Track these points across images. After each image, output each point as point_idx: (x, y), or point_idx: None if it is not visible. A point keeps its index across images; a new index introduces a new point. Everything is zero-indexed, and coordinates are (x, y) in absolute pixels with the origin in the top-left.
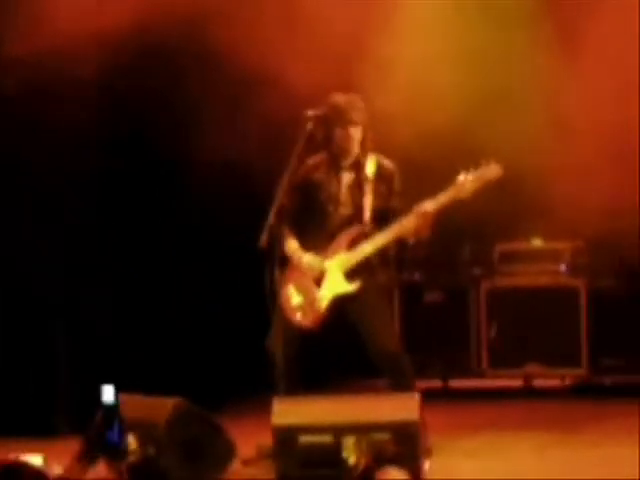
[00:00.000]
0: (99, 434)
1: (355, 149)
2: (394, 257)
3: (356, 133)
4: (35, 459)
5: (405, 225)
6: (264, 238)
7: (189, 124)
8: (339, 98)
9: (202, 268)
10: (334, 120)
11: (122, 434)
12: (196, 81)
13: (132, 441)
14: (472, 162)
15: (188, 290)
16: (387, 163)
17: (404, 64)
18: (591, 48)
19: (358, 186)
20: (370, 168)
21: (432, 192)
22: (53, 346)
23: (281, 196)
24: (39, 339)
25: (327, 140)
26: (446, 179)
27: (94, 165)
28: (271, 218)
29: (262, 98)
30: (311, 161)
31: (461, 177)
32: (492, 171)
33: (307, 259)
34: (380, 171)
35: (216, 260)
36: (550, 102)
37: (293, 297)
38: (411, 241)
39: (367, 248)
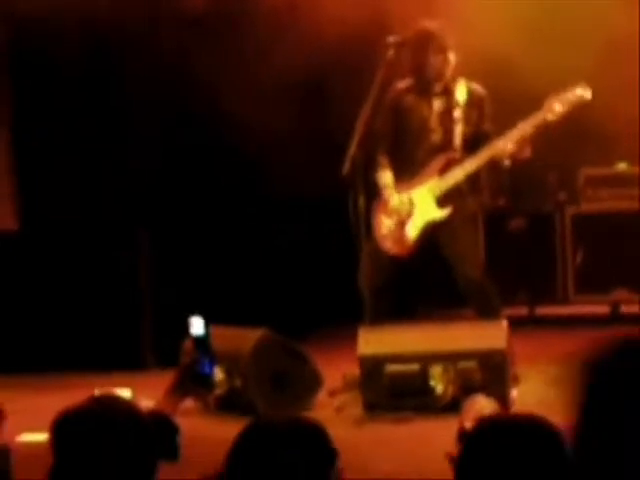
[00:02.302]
0: (190, 366)
1: (448, 74)
2: (487, 182)
3: (452, 58)
4: (123, 393)
5: (496, 148)
6: (347, 167)
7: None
8: (429, 24)
9: (290, 195)
10: (426, 46)
11: (213, 366)
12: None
13: (219, 373)
14: (560, 85)
15: (275, 218)
16: (477, 88)
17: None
18: None
19: (449, 112)
20: (461, 94)
21: (519, 118)
22: (139, 279)
23: (364, 123)
24: (125, 271)
25: (416, 66)
26: (529, 108)
27: None
28: (353, 147)
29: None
30: (401, 85)
31: (549, 99)
32: (580, 93)
33: (394, 201)
34: (471, 96)
35: (304, 188)
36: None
37: (383, 225)
38: (507, 163)
39: (459, 173)
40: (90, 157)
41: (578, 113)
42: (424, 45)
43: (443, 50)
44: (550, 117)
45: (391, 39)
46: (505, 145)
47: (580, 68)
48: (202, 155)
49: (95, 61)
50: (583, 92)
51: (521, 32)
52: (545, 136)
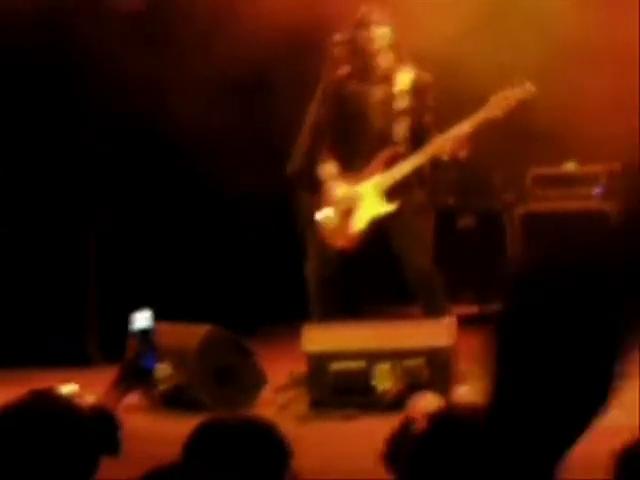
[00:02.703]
0: (133, 361)
1: (383, 55)
2: (434, 178)
3: (381, 34)
4: (68, 388)
5: (440, 145)
6: (293, 162)
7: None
8: (363, 7)
9: (237, 191)
10: (357, 26)
11: (156, 361)
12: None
13: (164, 368)
14: (506, 82)
15: (221, 214)
16: (424, 75)
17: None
18: None
19: (390, 100)
20: (405, 81)
21: (465, 113)
22: (85, 274)
23: (311, 119)
24: (71, 267)
25: (354, 53)
26: (477, 101)
27: None
28: (300, 141)
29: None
30: (341, 72)
31: (494, 96)
32: (525, 90)
33: (340, 191)
34: (416, 84)
35: (251, 185)
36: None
37: (330, 219)
38: (445, 159)
39: (404, 168)
40: (35, 152)
41: (526, 113)
42: (355, 28)
43: (369, 25)
44: (493, 115)
45: (337, 37)
46: (445, 142)
47: (527, 68)
48: (147, 153)
49: (39, 57)
50: (527, 90)
51: (467, 31)
52: (493, 135)
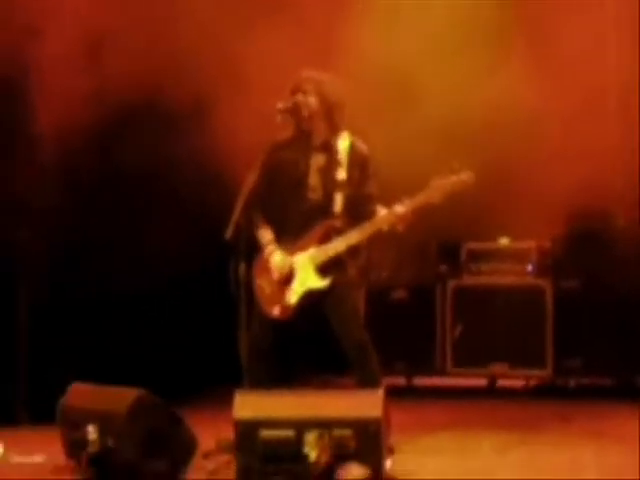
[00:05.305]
0: None
1: (317, 122)
2: (363, 252)
3: (305, 101)
4: None
5: (378, 225)
6: (230, 229)
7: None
8: (299, 73)
9: (167, 259)
10: (291, 93)
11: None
12: None
13: (92, 431)
14: (445, 167)
15: (151, 281)
16: (361, 145)
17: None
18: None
19: (329, 170)
20: (342, 149)
21: (405, 192)
22: (15, 335)
23: (248, 185)
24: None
25: (292, 120)
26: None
27: None
28: (237, 209)
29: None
30: (280, 138)
31: (434, 182)
32: (464, 178)
33: (276, 259)
34: (353, 154)
35: (182, 251)
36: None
37: (264, 288)
38: (384, 229)
39: (339, 245)
40: None
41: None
42: (294, 90)
43: (295, 92)
44: (432, 200)
45: (280, 105)
46: (387, 220)
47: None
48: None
49: None
50: (466, 178)
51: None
52: (429, 210)
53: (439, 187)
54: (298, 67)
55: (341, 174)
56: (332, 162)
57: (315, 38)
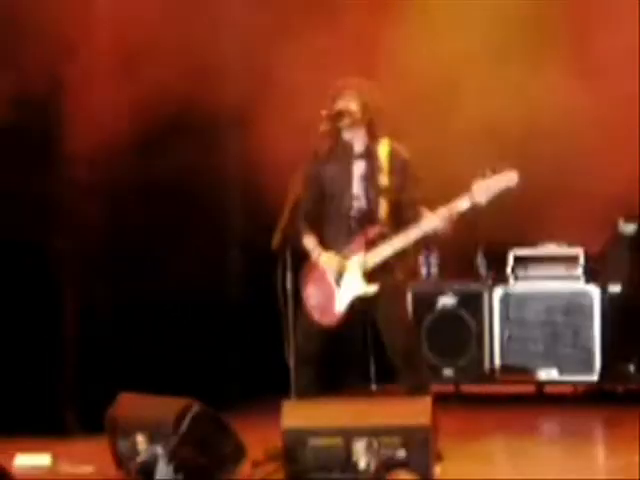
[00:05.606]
0: None
1: (356, 129)
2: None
3: (346, 106)
4: (43, 458)
5: (423, 229)
6: (277, 239)
7: None
8: (344, 80)
9: (211, 267)
10: (331, 101)
11: None
12: None
13: (141, 440)
14: (488, 169)
15: (199, 291)
16: (401, 150)
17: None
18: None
19: (371, 176)
20: (383, 155)
21: (449, 195)
22: (63, 345)
23: (294, 193)
24: (49, 337)
25: (335, 131)
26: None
27: None
28: (283, 219)
29: None
30: (322, 152)
31: (477, 183)
32: (508, 178)
33: (324, 259)
34: (394, 159)
35: (226, 260)
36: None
37: (313, 296)
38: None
39: (386, 250)
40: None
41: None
42: (335, 98)
43: (336, 99)
44: (476, 202)
45: (323, 112)
46: (432, 224)
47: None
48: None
49: None
50: (510, 178)
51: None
52: (475, 216)
53: (483, 188)
54: (338, 74)
55: (383, 180)
56: (374, 169)
57: (357, 43)
